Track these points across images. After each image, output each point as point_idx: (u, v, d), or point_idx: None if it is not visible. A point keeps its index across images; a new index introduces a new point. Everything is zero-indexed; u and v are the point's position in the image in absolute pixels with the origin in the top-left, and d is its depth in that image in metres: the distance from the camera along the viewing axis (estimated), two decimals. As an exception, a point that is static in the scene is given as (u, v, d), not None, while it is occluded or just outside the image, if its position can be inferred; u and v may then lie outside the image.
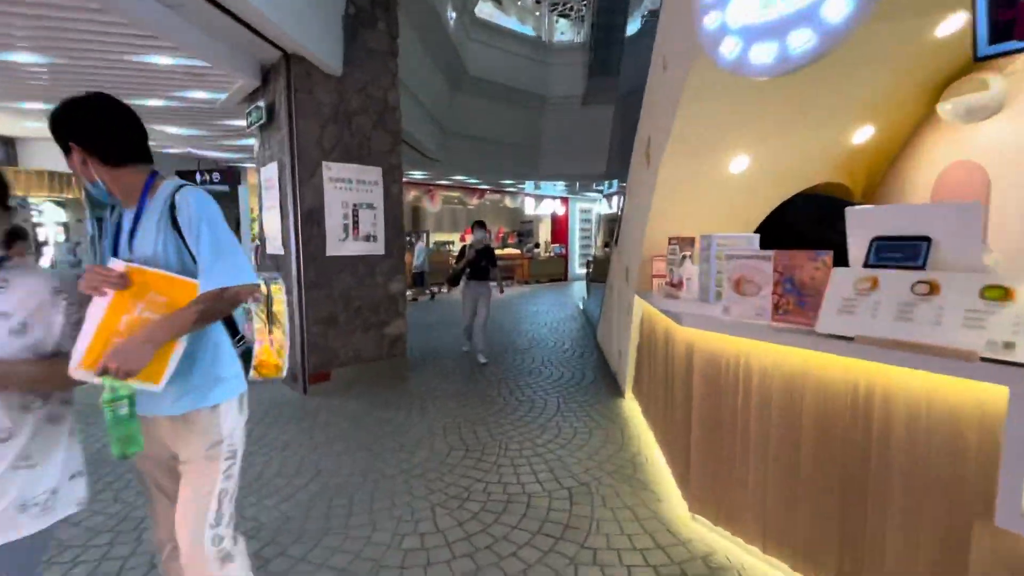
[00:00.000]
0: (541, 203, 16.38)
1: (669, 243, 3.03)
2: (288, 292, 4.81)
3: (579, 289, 14.38)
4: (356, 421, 4.03)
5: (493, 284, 5.90)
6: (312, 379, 4.75)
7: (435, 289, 12.37)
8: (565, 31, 12.39)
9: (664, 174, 3.11)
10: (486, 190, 14.95)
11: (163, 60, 4.17)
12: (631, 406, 4.25)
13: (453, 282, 5.97)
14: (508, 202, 15.53)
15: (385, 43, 5.04)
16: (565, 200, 17.21)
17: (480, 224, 5.87)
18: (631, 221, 4.36)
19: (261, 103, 4.74)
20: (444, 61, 8.85)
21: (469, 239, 5.85)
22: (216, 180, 8.65)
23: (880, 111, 3.18)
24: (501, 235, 17.63)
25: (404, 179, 12.59)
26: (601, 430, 3.76)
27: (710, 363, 2.37)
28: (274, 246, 5.00)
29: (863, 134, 3.33)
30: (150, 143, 1.41)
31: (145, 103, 5.31)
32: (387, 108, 5.09)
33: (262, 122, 4.79)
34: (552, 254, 17.06)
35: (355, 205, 4.89)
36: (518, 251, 16.44)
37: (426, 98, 8.45)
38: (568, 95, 10.88)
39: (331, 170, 4.71)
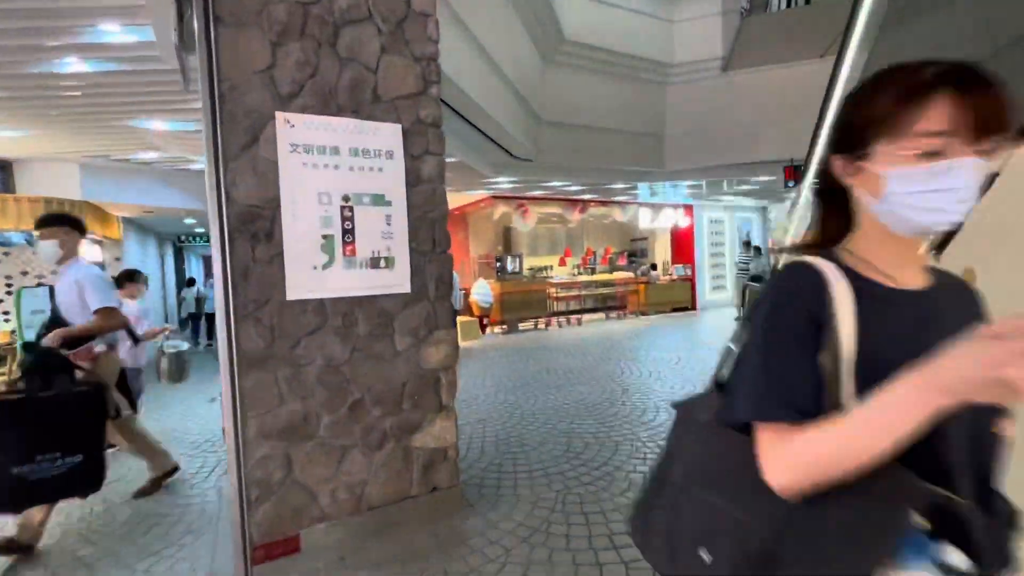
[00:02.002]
0: (660, 214, 13.25)
1: None
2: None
3: (717, 322, 10.91)
4: None
5: None
6: (261, 554, 2.30)
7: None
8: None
9: None
10: (589, 201, 12.22)
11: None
12: None
13: None
14: (618, 214, 12.62)
15: None
16: (689, 209, 13.89)
17: None
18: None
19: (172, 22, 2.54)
20: (532, 18, 6.43)
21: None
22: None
23: None
24: (609, 256, 14.73)
25: (490, 191, 10.20)
26: None
27: None
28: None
29: None
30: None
31: (62, 67, 3.44)
32: (410, 15, 2.65)
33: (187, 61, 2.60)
34: (675, 277, 13.75)
35: (347, 198, 2.46)
36: (630, 275, 13.40)
37: (511, 70, 6.05)
38: (702, 59, 7.91)
39: (294, 129, 2.34)
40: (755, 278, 10.37)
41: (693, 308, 13.91)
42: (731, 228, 14.69)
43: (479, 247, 13.01)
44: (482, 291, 10.28)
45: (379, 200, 2.53)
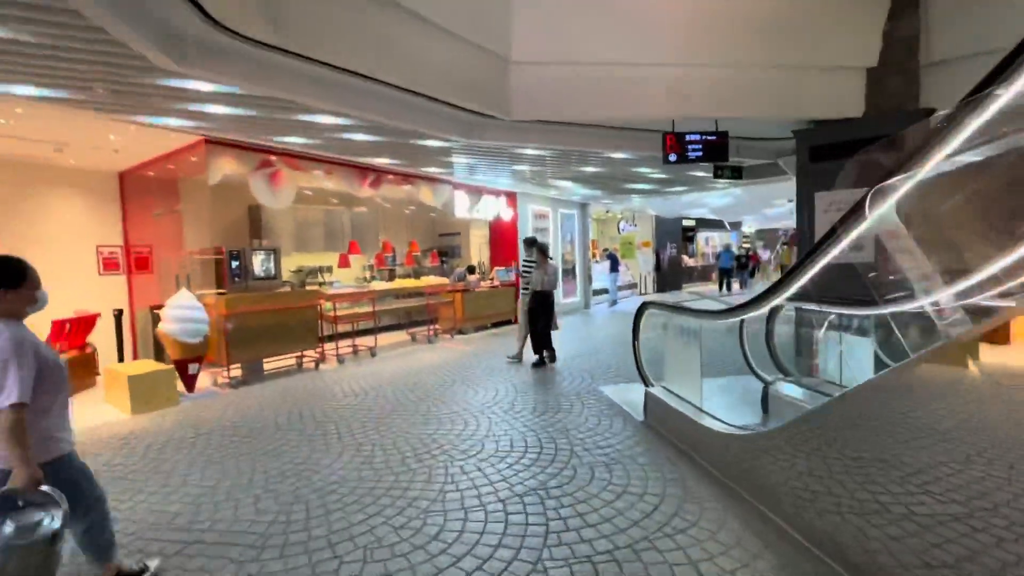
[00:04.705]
0: (481, 200, 10.11)
1: None
2: None
3: (558, 348, 8.07)
4: None
5: None
6: None
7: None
8: None
9: None
10: (385, 172, 8.28)
11: None
12: None
13: None
14: (427, 196, 8.98)
15: None
16: (513, 198, 11.15)
17: None
18: None
19: None
20: None
21: None
22: None
23: None
24: (414, 255, 11.08)
25: (194, 124, 4.83)
26: None
27: None
28: None
29: None
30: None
31: None
32: None
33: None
34: (497, 283, 10.85)
35: None
36: (444, 280, 10.00)
37: None
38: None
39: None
40: (540, 295, 6.85)
41: (516, 321, 11.25)
42: (555, 225, 12.51)
43: (203, 236, 7.93)
44: (184, 314, 5.54)
45: None
